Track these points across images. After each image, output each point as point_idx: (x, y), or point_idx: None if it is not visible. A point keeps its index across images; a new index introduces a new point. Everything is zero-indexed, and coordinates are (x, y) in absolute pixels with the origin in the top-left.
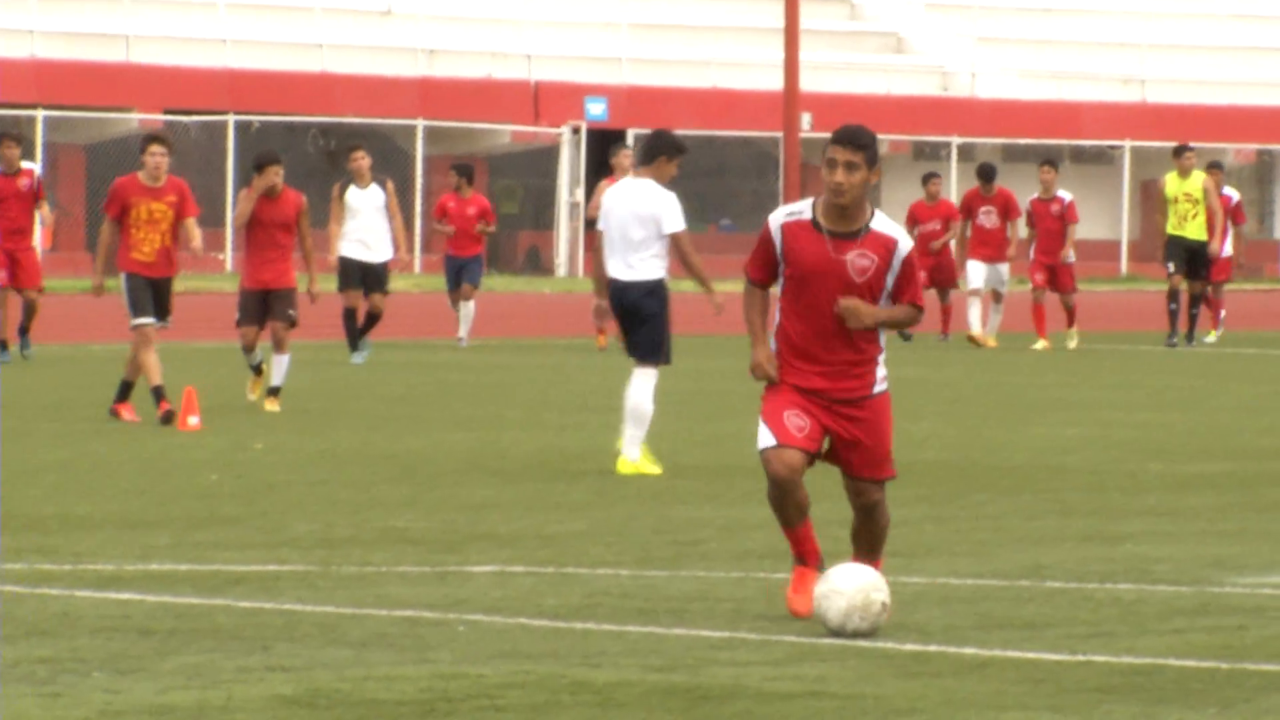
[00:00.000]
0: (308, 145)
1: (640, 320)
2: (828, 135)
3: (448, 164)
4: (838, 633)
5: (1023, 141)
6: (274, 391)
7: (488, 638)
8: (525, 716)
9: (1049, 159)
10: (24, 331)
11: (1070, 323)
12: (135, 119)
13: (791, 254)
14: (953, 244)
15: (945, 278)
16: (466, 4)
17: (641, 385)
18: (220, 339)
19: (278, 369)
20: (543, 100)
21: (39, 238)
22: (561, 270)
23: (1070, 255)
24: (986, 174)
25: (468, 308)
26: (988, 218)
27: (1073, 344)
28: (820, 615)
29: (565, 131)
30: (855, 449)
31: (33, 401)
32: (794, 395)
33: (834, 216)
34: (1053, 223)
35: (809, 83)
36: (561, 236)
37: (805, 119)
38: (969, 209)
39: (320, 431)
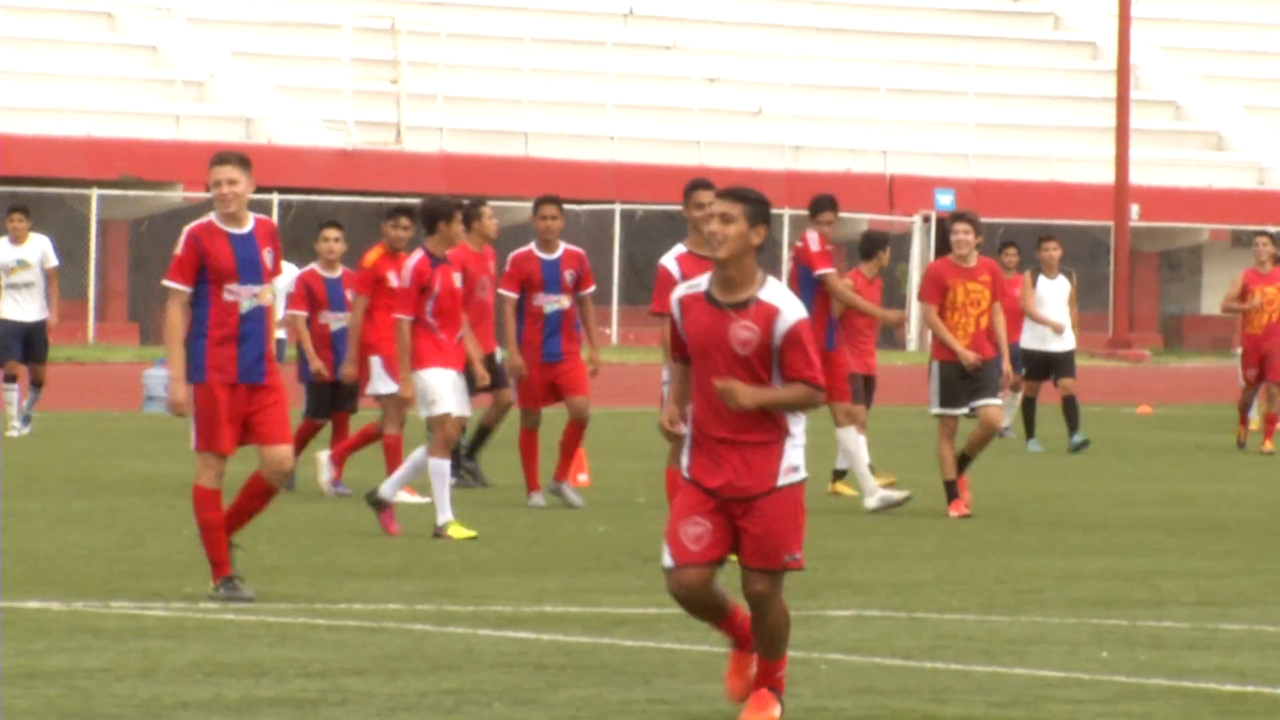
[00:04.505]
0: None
1: None
2: (1155, 224)
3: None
4: None
5: None
6: (840, 474)
7: (846, 675)
8: None
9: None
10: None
11: None
12: (530, 207)
13: (685, 328)
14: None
15: None
16: (829, 105)
17: None
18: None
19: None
20: (897, 191)
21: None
22: (912, 345)
23: None
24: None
25: None
26: None
27: None
28: None
29: (916, 220)
30: (746, 536)
31: None
32: (695, 497)
33: (722, 284)
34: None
35: (1137, 176)
36: (913, 313)
37: (1134, 210)
38: None
39: None
